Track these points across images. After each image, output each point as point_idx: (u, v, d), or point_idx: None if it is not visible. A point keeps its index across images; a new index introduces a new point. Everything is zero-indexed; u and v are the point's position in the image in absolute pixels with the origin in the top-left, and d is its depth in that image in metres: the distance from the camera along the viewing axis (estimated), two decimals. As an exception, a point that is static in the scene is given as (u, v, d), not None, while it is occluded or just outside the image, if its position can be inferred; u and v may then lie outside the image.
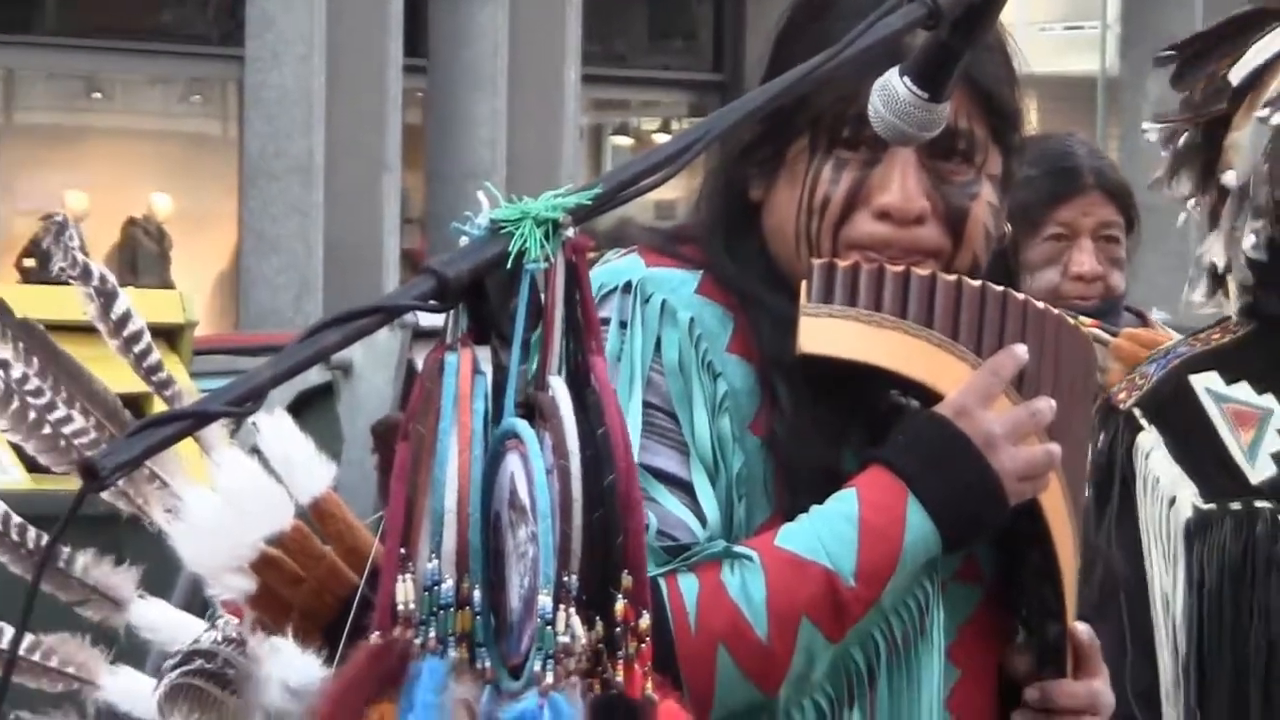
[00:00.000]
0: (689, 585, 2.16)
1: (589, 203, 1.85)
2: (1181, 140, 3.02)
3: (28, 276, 17.24)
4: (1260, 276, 2.98)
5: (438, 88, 18.18)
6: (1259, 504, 2.85)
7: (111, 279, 2.22)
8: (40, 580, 1.99)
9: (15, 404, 2.22)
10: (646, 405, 2.25)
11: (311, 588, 2.24)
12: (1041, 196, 4.08)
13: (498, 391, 1.87)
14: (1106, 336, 3.52)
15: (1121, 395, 3.01)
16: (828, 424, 2.27)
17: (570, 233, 1.82)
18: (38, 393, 2.22)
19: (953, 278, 2.27)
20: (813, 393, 2.26)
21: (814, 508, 2.22)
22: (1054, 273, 4.42)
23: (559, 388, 1.83)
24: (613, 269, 2.25)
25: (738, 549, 2.20)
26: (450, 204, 17.15)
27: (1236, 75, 2.89)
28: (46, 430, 2.23)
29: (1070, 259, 4.30)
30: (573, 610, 1.77)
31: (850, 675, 2.26)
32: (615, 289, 2.25)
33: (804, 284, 2.25)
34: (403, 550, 1.85)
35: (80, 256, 2.17)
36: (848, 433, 2.28)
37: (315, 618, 2.22)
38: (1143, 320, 4.42)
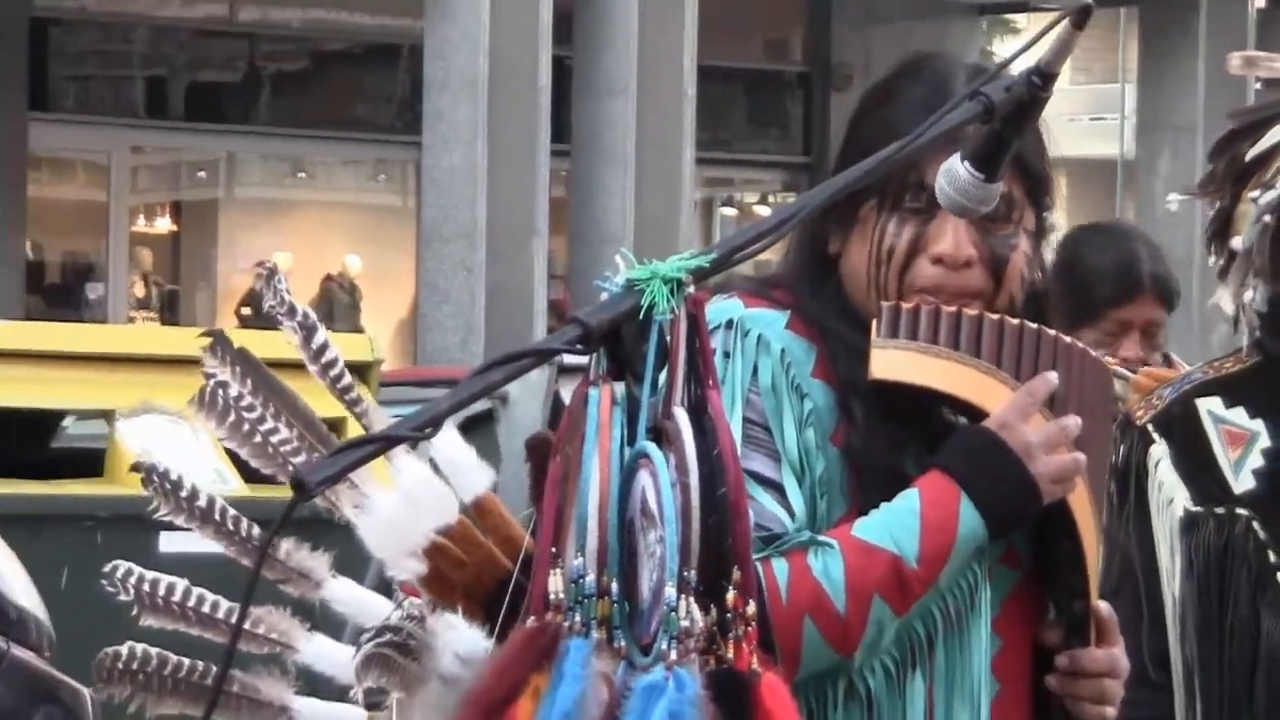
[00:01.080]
0: (780, 567, 2.17)
1: (706, 265, 1.84)
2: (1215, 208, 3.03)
3: (245, 323, 17.32)
4: (1264, 323, 2.94)
5: (578, 167, 18.11)
6: (1238, 511, 2.86)
7: (312, 315, 2.21)
8: (260, 570, 1.99)
9: (232, 418, 2.20)
10: (746, 420, 2.24)
11: (473, 571, 2.21)
12: (1105, 294, 4.03)
13: (631, 420, 1.85)
14: (1125, 372, 3.49)
15: (1139, 413, 3.00)
16: (894, 436, 2.28)
17: (691, 289, 1.81)
18: (251, 408, 2.20)
19: (996, 317, 2.28)
20: (882, 410, 2.27)
21: (883, 504, 2.23)
22: (1102, 351, 4.35)
23: (681, 417, 1.82)
24: (718, 309, 2.25)
25: (820, 538, 2.21)
26: (588, 262, 17.11)
27: (1250, 155, 2.87)
28: (258, 439, 2.21)
29: (1119, 346, 4.21)
30: (692, 599, 1.76)
31: (913, 643, 2.26)
32: (720, 325, 2.25)
33: (874, 321, 2.26)
34: (553, 549, 1.83)
35: (286, 295, 2.17)
36: (910, 443, 2.29)
37: (476, 597, 2.20)
38: (1167, 362, 4.35)
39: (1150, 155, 20.16)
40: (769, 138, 22.64)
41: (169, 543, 4.04)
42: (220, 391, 2.22)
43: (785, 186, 22.47)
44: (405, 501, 2.18)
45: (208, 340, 2.23)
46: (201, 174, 22.10)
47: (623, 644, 1.82)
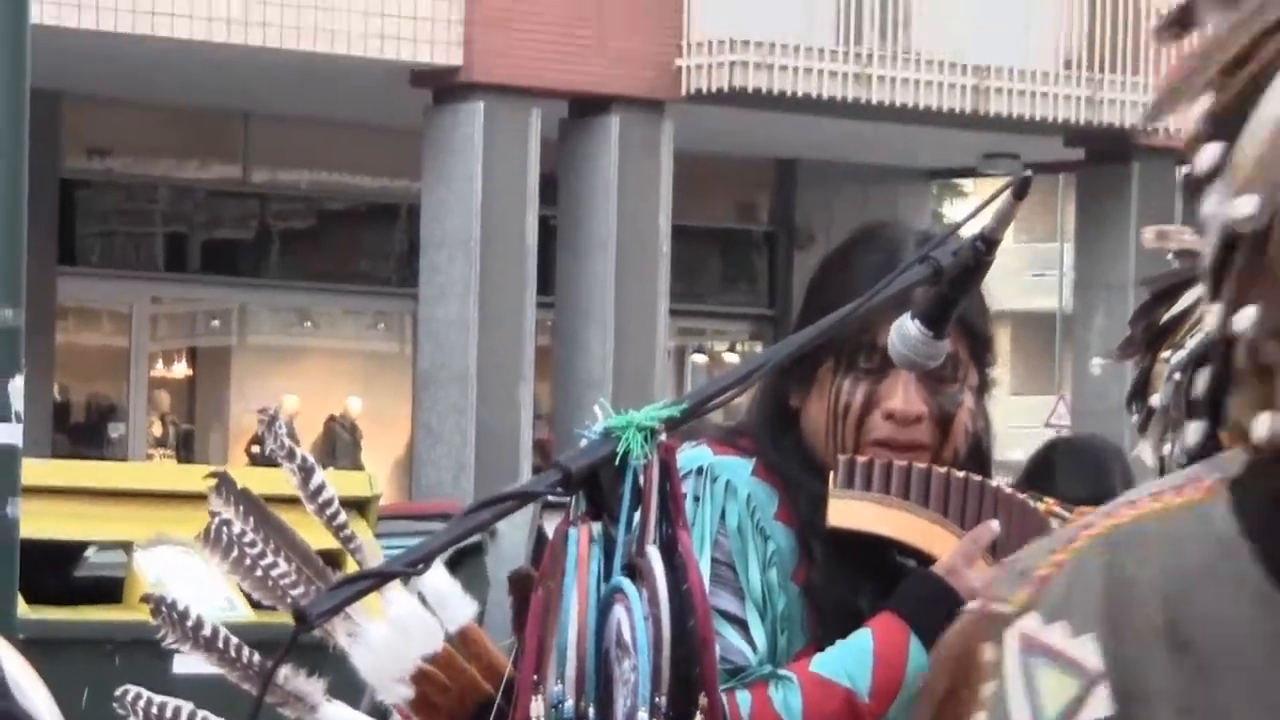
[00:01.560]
0: (744, 699, 2.19)
1: (678, 415, 1.87)
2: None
3: (254, 460, 17.31)
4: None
5: (562, 317, 18.27)
6: None
7: (309, 458, 2.23)
8: (264, 697, 1.99)
9: (235, 553, 2.22)
10: (714, 560, 2.27)
11: (456, 695, 2.24)
12: None
13: (608, 556, 1.87)
14: (1063, 512, 3.49)
15: None
16: (851, 577, 2.31)
17: (663, 437, 1.84)
18: (252, 544, 2.22)
19: (943, 470, 2.32)
20: (840, 553, 2.30)
21: (839, 642, 2.26)
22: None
23: (654, 555, 1.83)
24: (689, 456, 2.27)
25: (781, 671, 2.23)
26: (570, 406, 17.24)
27: (1164, 319, 2.91)
28: (259, 573, 2.23)
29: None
30: (663, 723, 1.79)
31: None
32: (691, 471, 2.28)
33: (832, 473, 2.30)
34: (535, 676, 1.85)
35: (286, 440, 2.20)
36: (865, 583, 2.32)
37: (458, 717, 2.25)
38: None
39: (1086, 311, 20.42)
40: (738, 291, 22.83)
41: (182, 665, 4.01)
42: (224, 529, 2.24)
43: (752, 336, 22.66)
44: (395, 631, 2.19)
45: (214, 480, 2.25)
46: (216, 323, 22.26)
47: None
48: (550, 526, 2.68)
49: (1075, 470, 4.24)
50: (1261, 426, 1.11)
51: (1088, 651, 1.19)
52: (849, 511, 2.32)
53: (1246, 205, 1.12)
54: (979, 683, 1.24)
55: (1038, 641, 1.20)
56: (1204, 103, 1.12)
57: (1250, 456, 1.16)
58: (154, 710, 2.27)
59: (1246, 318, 1.14)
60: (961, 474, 2.36)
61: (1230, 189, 1.13)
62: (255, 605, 4.39)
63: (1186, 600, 1.19)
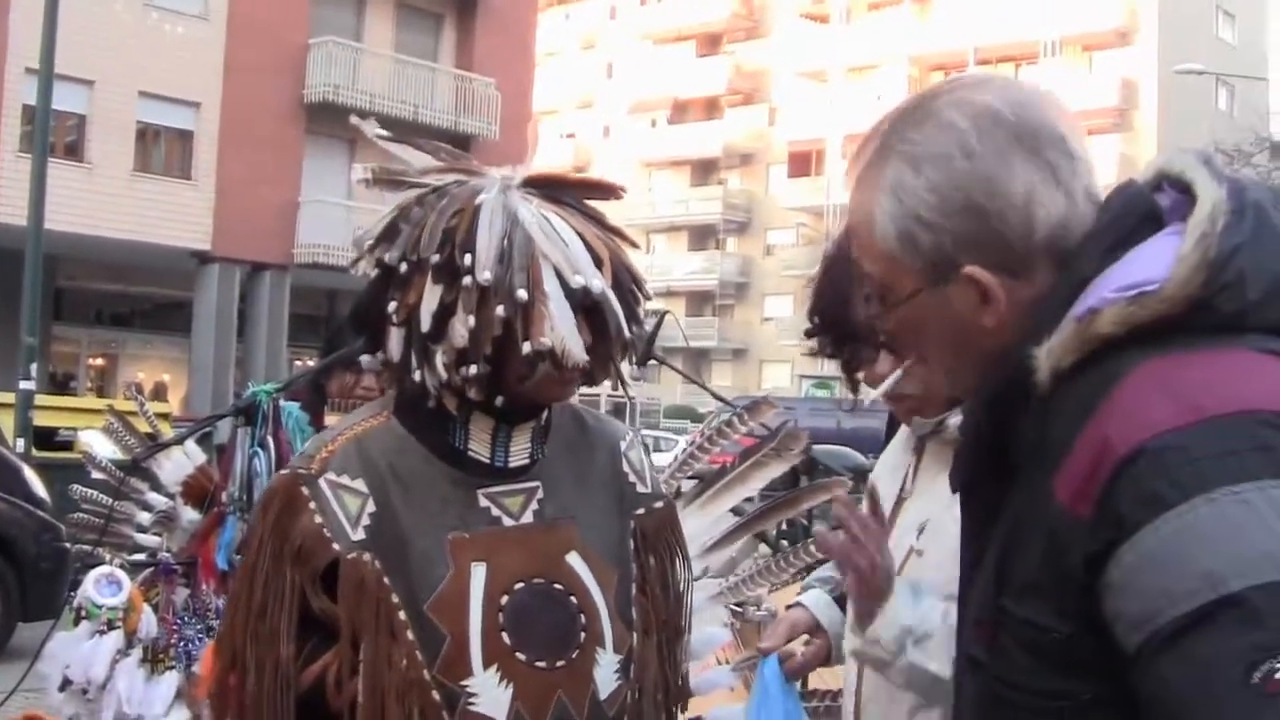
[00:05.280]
0: None
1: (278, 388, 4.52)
2: None
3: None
4: None
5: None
6: None
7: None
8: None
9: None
10: None
11: (198, 488, 4.21)
12: None
13: (261, 446, 4.27)
14: None
15: None
16: None
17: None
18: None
19: None
20: None
21: None
22: None
23: (270, 442, 4.45)
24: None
25: None
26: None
27: None
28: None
29: None
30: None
31: None
32: None
33: None
34: (224, 484, 4.23)
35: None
36: None
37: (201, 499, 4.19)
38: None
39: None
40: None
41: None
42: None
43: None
44: (175, 465, 4.30)
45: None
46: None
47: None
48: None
49: None
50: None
51: (359, 485, 2.31)
52: None
53: None
54: (303, 504, 2.31)
55: (337, 481, 2.31)
56: None
57: (398, 395, 2.35)
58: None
59: None
60: None
61: None
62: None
63: (395, 459, 2.34)
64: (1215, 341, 1.52)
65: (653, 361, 4.17)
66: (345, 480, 2.32)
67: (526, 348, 2.29)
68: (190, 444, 4.33)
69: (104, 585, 3.78)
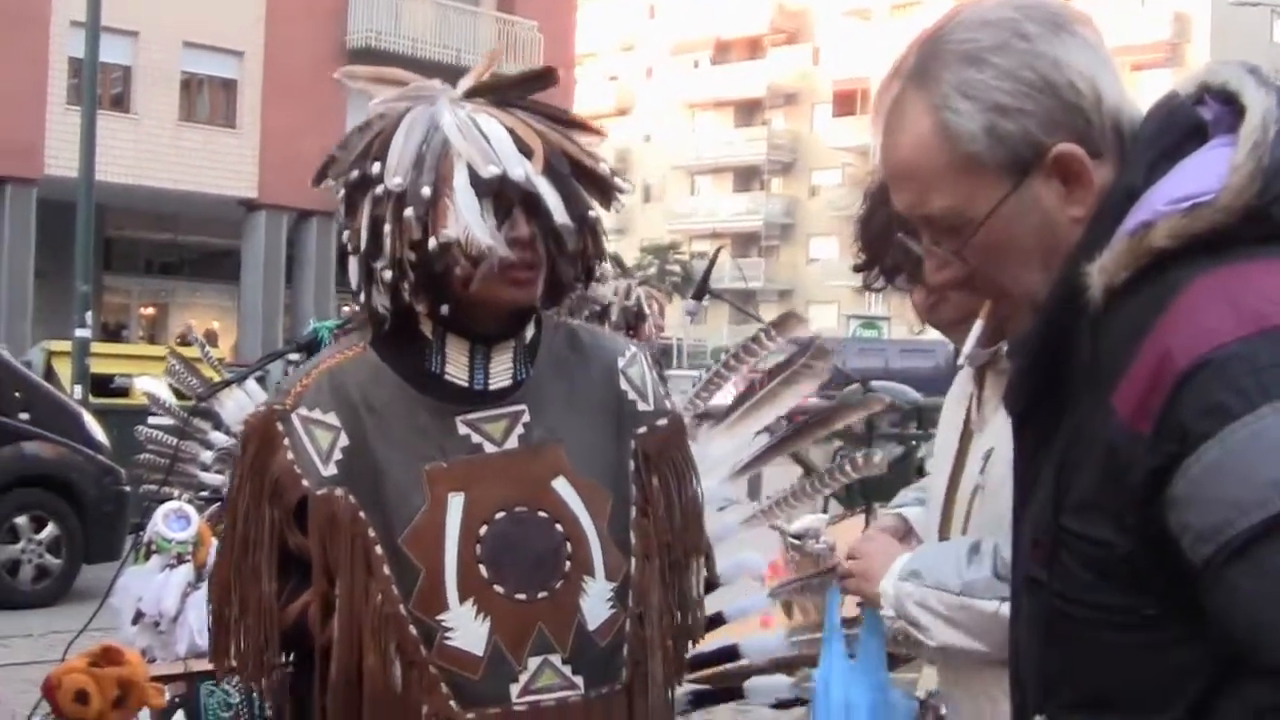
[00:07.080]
0: None
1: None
2: None
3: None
4: None
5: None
6: None
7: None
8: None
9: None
10: None
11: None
12: None
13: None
14: None
15: None
16: None
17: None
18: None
19: None
20: None
21: None
22: None
23: None
24: None
25: None
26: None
27: None
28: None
29: None
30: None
31: None
32: None
33: None
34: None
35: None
36: None
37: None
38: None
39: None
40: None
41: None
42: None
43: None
44: (237, 405, 4.43)
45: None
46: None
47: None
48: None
49: None
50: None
51: (331, 418, 2.30)
52: None
53: None
54: (278, 440, 2.32)
55: (309, 416, 2.29)
56: None
57: (372, 325, 2.30)
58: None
59: None
60: None
61: None
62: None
63: (369, 390, 2.31)
64: (1271, 251, 1.49)
65: (707, 300, 4.20)
66: (317, 414, 2.30)
67: (432, 243, 2.26)
68: (250, 383, 4.43)
69: (173, 520, 3.87)
